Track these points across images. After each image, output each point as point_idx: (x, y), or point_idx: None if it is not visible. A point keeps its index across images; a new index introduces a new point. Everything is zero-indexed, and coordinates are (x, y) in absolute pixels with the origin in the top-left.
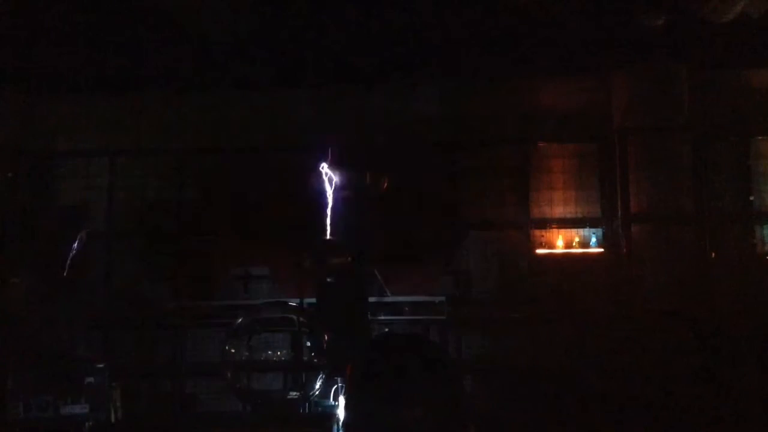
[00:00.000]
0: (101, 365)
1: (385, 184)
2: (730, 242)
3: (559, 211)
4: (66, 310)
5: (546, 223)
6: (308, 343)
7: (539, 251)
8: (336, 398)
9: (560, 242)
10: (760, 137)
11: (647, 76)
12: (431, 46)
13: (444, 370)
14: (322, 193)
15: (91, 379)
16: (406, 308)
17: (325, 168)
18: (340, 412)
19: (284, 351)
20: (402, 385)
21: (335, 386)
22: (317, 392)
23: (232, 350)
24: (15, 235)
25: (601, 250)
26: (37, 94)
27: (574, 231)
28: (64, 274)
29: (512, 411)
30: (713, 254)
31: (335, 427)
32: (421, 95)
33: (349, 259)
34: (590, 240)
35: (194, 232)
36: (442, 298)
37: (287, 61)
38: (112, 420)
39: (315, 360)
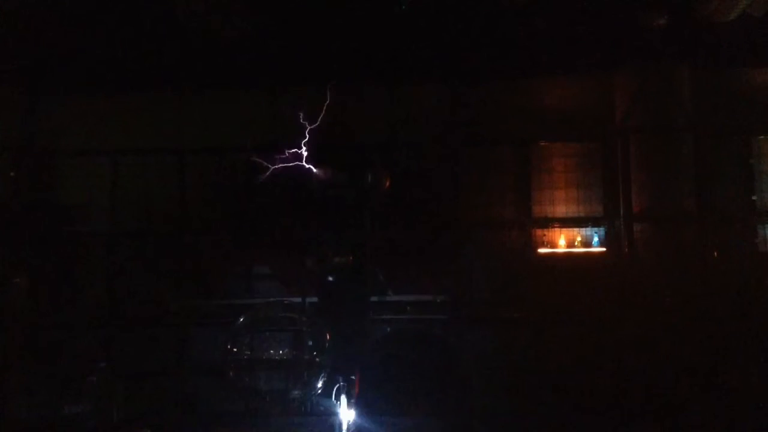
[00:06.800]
0: (103, 365)
1: (387, 183)
2: (732, 241)
3: (561, 210)
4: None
5: (548, 223)
6: (310, 342)
7: (541, 250)
8: (338, 397)
9: (562, 241)
10: (762, 136)
11: (650, 76)
12: (434, 46)
13: (452, 369)
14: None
15: (92, 379)
16: (408, 307)
17: (326, 167)
18: (342, 411)
19: (286, 350)
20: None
21: (337, 385)
22: (319, 391)
23: (234, 349)
24: (17, 235)
25: (603, 249)
26: (38, 94)
27: (576, 230)
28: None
29: (518, 410)
30: (715, 253)
31: (337, 425)
32: (424, 95)
33: (351, 258)
34: (592, 239)
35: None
36: (444, 298)
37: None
38: (114, 419)
39: (317, 359)
